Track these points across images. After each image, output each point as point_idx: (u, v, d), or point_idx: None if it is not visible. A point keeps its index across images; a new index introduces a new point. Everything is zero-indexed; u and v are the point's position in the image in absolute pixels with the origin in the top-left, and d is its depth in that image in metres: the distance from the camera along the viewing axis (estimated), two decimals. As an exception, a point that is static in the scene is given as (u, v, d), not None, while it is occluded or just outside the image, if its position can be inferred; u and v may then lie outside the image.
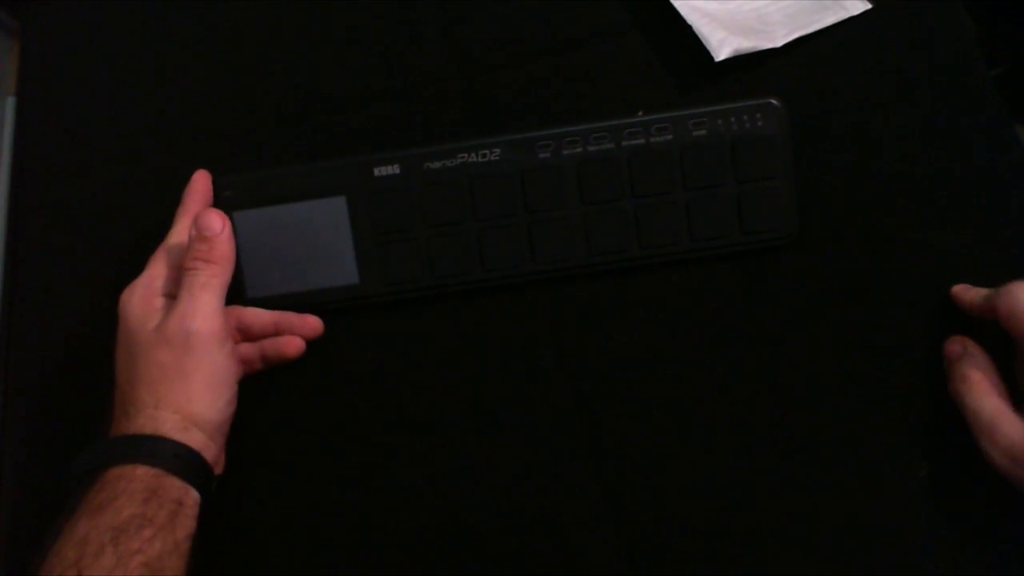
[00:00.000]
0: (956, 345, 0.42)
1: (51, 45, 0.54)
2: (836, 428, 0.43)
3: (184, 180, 0.44)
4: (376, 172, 0.43)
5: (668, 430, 0.44)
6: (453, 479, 0.44)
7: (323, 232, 0.44)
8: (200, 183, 0.44)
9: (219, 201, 0.43)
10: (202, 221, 0.40)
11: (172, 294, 0.41)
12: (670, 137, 0.43)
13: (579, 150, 0.43)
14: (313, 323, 0.45)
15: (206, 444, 0.39)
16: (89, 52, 0.53)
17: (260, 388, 0.45)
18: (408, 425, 0.45)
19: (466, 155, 0.43)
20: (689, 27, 0.48)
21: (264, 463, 0.45)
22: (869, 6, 0.49)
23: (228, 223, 0.41)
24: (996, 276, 0.45)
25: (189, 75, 0.52)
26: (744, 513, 0.43)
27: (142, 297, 0.40)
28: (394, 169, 0.43)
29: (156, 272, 0.41)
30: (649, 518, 0.43)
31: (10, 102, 0.54)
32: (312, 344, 0.45)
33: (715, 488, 0.43)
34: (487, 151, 0.43)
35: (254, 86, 0.51)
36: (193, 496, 0.37)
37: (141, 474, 0.36)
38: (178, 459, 0.37)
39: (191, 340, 0.39)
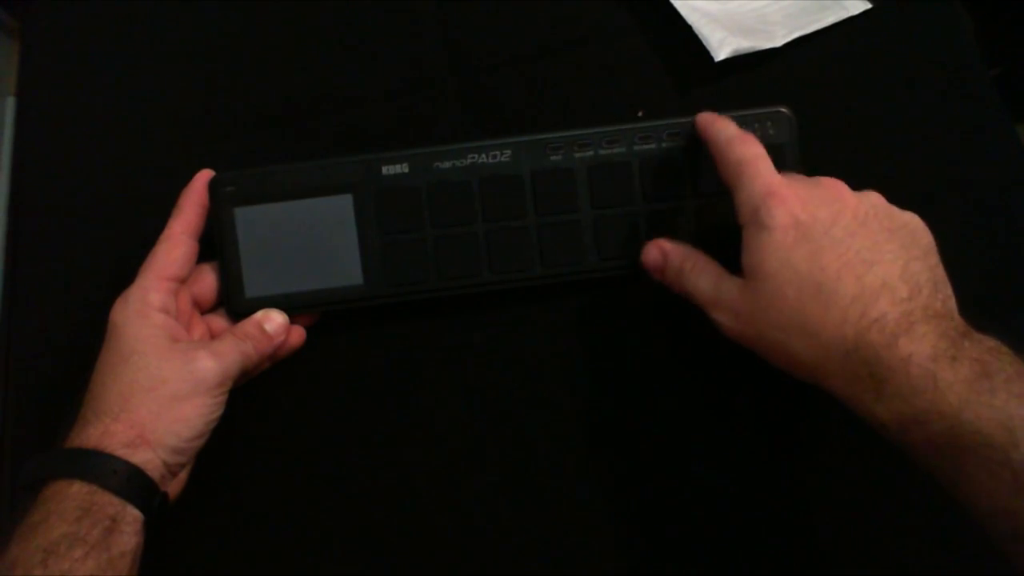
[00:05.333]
0: (653, 251, 0.41)
1: (51, 45, 0.54)
2: (841, 429, 0.43)
3: (184, 180, 0.44)
4: (384, 170, 0.43)
5: (672, 435, 0.44)
6: (454, 481, 0.44)
7: (327, 231, 0.43)
8: (199, 183, 0.44)
9: (220, 197, 0.43)
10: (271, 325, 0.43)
11: (166, 307, 0.40)
12: (682, 143, 0.43)
13: (591, 153, 0.43)
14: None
15: (154, 463, 0.37)
16: (89, 52, 0.53)
17: (260, 389, 0.45)
18: (409, 428, 0.45)
19: (476, 155, 0.43)
20: (689, 27, 0.48)
21: (264, 463, 0.45)
22: (869, 6, 0.49)
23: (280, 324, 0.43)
24: (996, 276, 0.45)
25: (188, 75, 0.52)
26: (747, 514, 0.43)
27: (136, 311, 0.40)
28: (403, 168, 0.43)
29: (149, 284, 0.41)
30: (651, 522, 0.43)
31: (10, 102, 0.54)
32: (313, 345, 0.45)
33: (718, 490, 0.43)
34: (497, 152, 0.43)
35: (254, 86, 0.51)
36: (131, 513, 0.36)
37: (75, 491, 0.35)
38: (116, 475, 0.36)
39: (197, 384, 0.39)
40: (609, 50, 0.50)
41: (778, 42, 0.47)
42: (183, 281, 0.43)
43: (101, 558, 0.34)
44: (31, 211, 0.51)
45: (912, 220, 0.36)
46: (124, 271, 0.42)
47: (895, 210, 0.36)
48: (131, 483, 0.36)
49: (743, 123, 0.43)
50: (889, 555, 0.42)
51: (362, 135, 0.50)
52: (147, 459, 0.37)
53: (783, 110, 0.43)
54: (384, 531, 0.44)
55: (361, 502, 0.44)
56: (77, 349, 0.42)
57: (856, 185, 0.46)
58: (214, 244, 0.43)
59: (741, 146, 0.38)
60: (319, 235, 0.43)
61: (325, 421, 0.46)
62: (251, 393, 0.44)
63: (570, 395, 0.45)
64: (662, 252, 0.41)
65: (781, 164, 0.43)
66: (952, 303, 0.34)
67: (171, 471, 0.39)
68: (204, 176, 0.44)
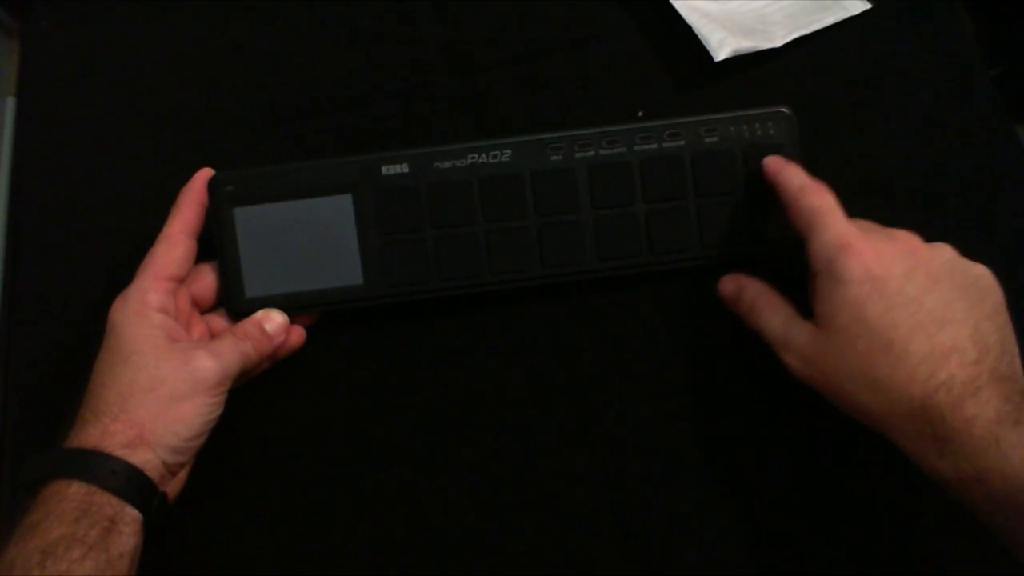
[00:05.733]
0: (729, 285, 0.43)
1: (51, 45, 0.54)
2: (844, 430, 0.43)
3: (184, 180, 0.44)
4: (384, 170, 0.43)
5: (674, 438, 0.44)
6: (454, 482, 0.44)
7: (327, 231, 0.43)
8: (199, 182, 0.44)
9: (220, 196, 0.43)
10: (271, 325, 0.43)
11: (165, 307, 0.40)
12: (682, 143, 0.43)
13: (591, 153, 0.43)
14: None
15: (153, 463, 0.38)
16: (89, 52, 0.53)
17: (260, 389, 0.45)
18: (409, 429, 0.45)
19: (476, 155, 0.43)
20: (689, 27, 0.48)
21: (264, 463, 0.45)
22: (869, 6, 0.49)
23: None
24: (997, 276, 0.45)
25: (188, 76, 0.52)
26: (751, 516, 0.43)
27: (136, 311, 0.40)
28: (403, 168, 0.43)
29: (147, 284, 0.40)
30: (652, 525, 0.43)
31: (10, 102, 0.54)
32: (313, 345, 0.45)
33: (721, 493, 0.43)
34: (498, 152, 0.43)
35: (253, 86, 0.51)
36: (130, 514, 0.36)
37: (74, 492, 0.35)
38: (115, 476, 0.36)
39: (196, 384, 0.39)
40: (609, 50, 0.50)
41: (778, 42, 0.47)
42: (182, 281, 0.43)
43: (100, 559, 0.34)
44: (31, 211, 0.51)
45: (983, 275, 0.37)
46: (124, 271, 0.42)
47: (967, 264, 0.37)
48: (130, 483, 0.36)
49: (743, 123, 0.43)
50: (893, 554, 0.42)
51: (362, 135, 0.50)
52: (146, 459, 0.37)
53: (783, 110, 0.43)
54: (384, 531, 0.44)
55: (361, 502, 0.44)
56: (77, 349, 0.42)
57: (856, 185, 0.47)
58: (214, 244, 0.43)
59: (813, 195, 0.39)
60: (319, 235, 0.43)
61: (325, 421, 0.46)
62: (251, 393, 0.44)
63: (571, 395, 0.45)
64: (738, 285, 0.42)
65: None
66: (1018, 363, 0.35)
67: (170, 471, 0.39)
68: (203, 175, 0.44)
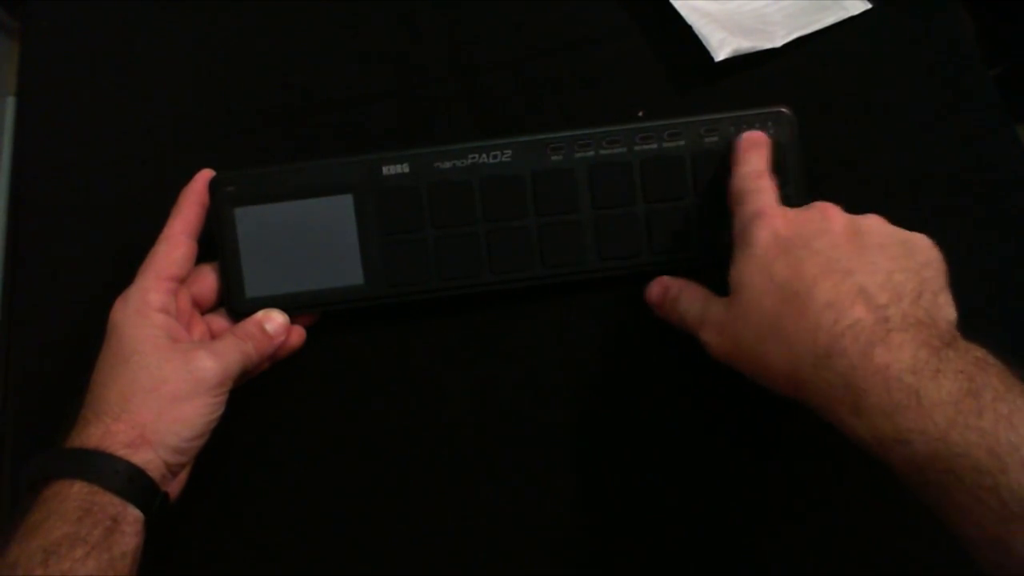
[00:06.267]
0: (655, 288, 0.43)
1: (51, 45, 0.54)
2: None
3: (184, 180, 0.44)
4: (385, 171, 0.43)
5: (674, 439, 0.44)
6: (455, 481, 0.44)
7: (328, 231, 0.43)
8: (199, 183, 0.44)
9: (221, 196, 0.43)
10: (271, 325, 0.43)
11: (166, 307, 0.40)
12: (682, 143, 0.43)
13: (591, 153, 0.43)
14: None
15: (155, 463, 0.37)
16: (89, 52, 0.53)
17: (260, 389, 0.45)
18: (409, 428, 0.45)
19: (477, 155, 0.43)
20: (689, 27, 0.48)
21: (264, 463, 0.45)
22: (869, 6, 0.49)
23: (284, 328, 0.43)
24: (996, 276, 0.45)
25: (189, 75, 0.52)
26: (749, 518, 0.43)
27: (136, 311, 0.40)
28: (403, 168, 0.43)
29: (148, 284, 0.41)
30: (654, 525, 0.43)
31: (10, 102, 0.54)
32: (313, 345, 0.45)
33: (722, 495, 0.43)
34: (498, 152, 0.43)
35: (253, 86, 0.51)
36: (132, 513, 0.36)
37: (76, 491, 0.35)
38: (117, 476, 0.36)
39: (198, 384, 0.39)
40: (609, 50, 0.50)
41: (778, 42, 0.47)
42: (183, 281, 0.43)
43: (102, 558, 0.34)
44: (31, 211, 0.51)
45: (913, 237, 0.35)
46: (124, 271, 0.42)
47: (894, 229, 0.36)
48: (132, 483, 0.36)
49: (744, 123, 0.43)
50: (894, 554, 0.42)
51: (362, 135, 0.50)
52: (148, 459, 0.37)
53: (784, 110, 0.43)
54: (385, 531, 0.44)
55: (361, 502, 0.44)
56: (77, 349, 0.42)
57: (855, 185, 0.47)
58: (214, 244, 0.43)
59: (753, 180, 0.39)
60: (320, 235, 0.43)
61: (325, 421, 0.46)
62: (251, 393, 0.44)
63: (571, 395, 0.45)
64: (662, 286, 0.42)
65: (782, 164, 0.43)
66: (942, 313, 0.33)
67: (172, 471, 0.39)
68: (204, 176, 0.44)
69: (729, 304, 0.37)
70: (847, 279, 0.33)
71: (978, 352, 0.31)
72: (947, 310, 0.33)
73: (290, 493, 0.45)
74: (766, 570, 0.43)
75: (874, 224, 0.36)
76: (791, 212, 0.36)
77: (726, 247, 0.42)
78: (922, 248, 0.35)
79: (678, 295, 0.41)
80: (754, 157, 0.40)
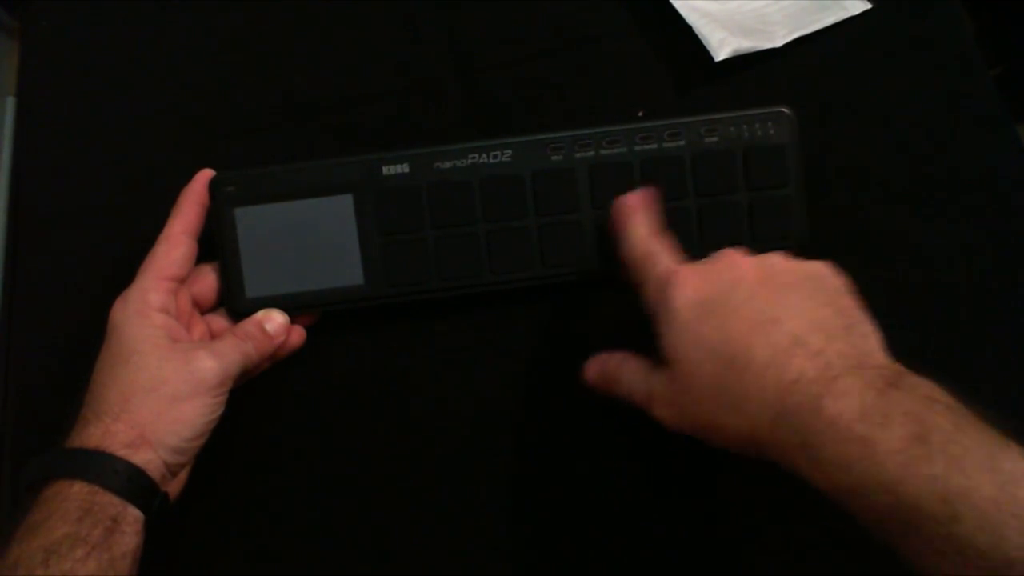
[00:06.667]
0: (592, 367, 0.41)
1: (51, 45, 0.54)
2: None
3: (184, 180, 0.44)
4: (385, 171, 0.43)
5: (675, 437, 0.44)
6: (455, 481, 0.44)
7: (328, 231, 0.43)
8: (199, 183, 0.44)
9: (221, 197, 0.43)
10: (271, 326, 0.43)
11: (166, 307, 0.40)
12: (682, 143, 0.43)
13: (591, 153, 0.43)
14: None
15: (154, 463, 0.37)
16: (89, 52, 0.53)
17: (260, 389, 0.45)
18: (409, 428, 0.45)
19: (477, 155, 0.43)
20: (689, 27, 0.48)
21: (264, 463, 0.45)
22: (869, 6, 0.49)
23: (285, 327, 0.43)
24: (997, 276, 0.45)
25: (189, 76, 0.52)
26: (754, 516, 0.43)
27: (136, 311, 0.40)
28: (403, 168, 0.43)
29: (148, 284, 0.41)
30: (653, 525, 0.43)
31: (10, 102, 0.54)
32: (313, 345, 0.45)
33: (723, 494, 0.43)
34: (498, 152, 0.43)
35: (253, 87, 0.51)
36: (132, 513, 0.36)
37: (76, 491, 0.35)
38: (117, 476, 0.36)
39: (198, 384, 0.39)
40: (609, 50, 0.50)
41: (778, 42, 0.47)
42: (183, 281, 0.43)
43: (103, 558, 0.34)
44: (31, 211, 0.51)
45: (816, 268, 0.35)
46: (124, 271, 0.42)
47: (797, 263, 0.36)
48: (132, 483, 0.36)
49: (743, 123, 0.43)
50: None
51: (362, 135, 0.50)
52: (148, 459, 0.37)
53: (784, 110, 0.43)
54: (384, 530, 0.44)
55: (361, 502, 0.44)
56: (77, 349, 0.42)
57: (855, 185, 0.47)
58: (214, 244, 0.43)
59: (647, 243, 0.38)
60: (320, 235, 0.43)
61: (325, 421, 0.46)
62: (251, 393, 0.44)
63: (572, 395, 0.45)
64: (599, 363, 0.41)
65: (782, 165, 0.43)
66: (872, 342, 0.33)
67: (171, 471, 0.39)
68: (204, 176, 0.44)
69: (670, 377, 0.35)
70: (777, 330, 0.32)
71: (925, 388, 0.30)
72: (874, 339, 0.33)
73: (290, 493, 0.45)
74: (768, 569, 0.43)
75: (779, 263, 0.36)
76: (699, 269, 0.36)
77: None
78: (827, 277, 0.35)
79: (618, 373, 0.39)
80: (639, 221, 0.39)
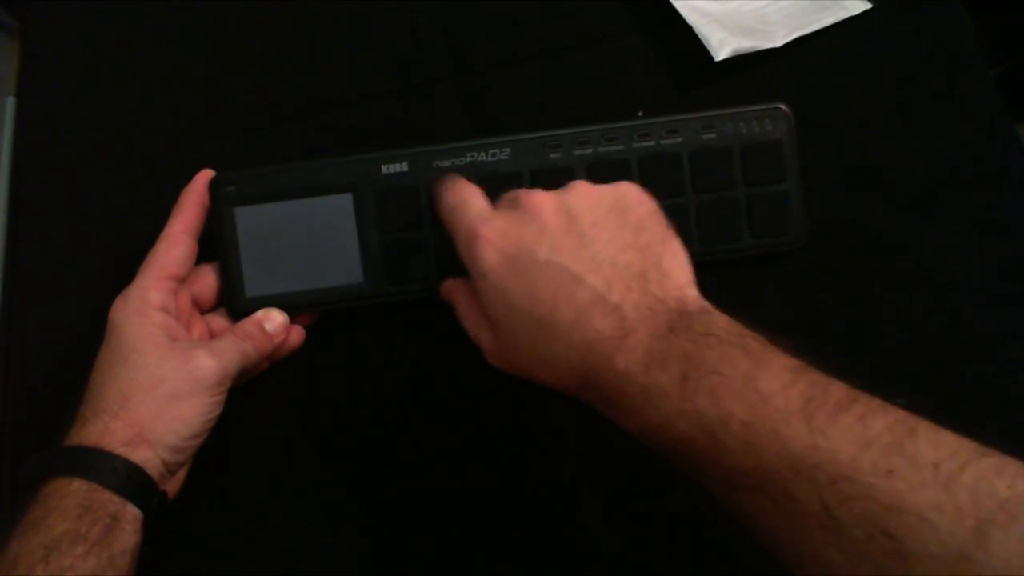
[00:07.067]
0: (444, 288, 0.41)
1: (51, 45, 0.54)
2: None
3: (184, 180, 0.44)
4: (384, 169, 0.43)
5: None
6: (455, 480, 0.44)
7: (327, 230, 0.43)
8: (200, 183, 0.44)
9: (221, 196, 0.43)
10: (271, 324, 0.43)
11: (166, 306, 0.41)
12: (680, 140, 0.43)
13: (589, 151, 0.43)
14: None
15: (153, 461, 0.38)
16: (89, 52, 0.53)
17: (259, 389, 0.45)
18: (409, 427, 0.45)
19: (476, 154, 0.43)
20: (689, 27, 0.48)
21: (263, 463, 0.45)
22: (869, 6, 0.49)
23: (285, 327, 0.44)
24: (997, 276, 0.45)
25: (188, 75, 0.52)
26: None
27: (136, 310, 0.40)
28: (402, 167, 0.43)
29: (148, 283, 0.41)
30: (653, 524, 0.43)
31: (10, 102, 0.54)
32: (313, 345, 0.45)
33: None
34: (497, 150, 0.43)
35: (253, 86, 0.51)
36: (131, 511, 0.36)
37: (75, 489, 0.35)
38: (116, 473, 0.36)
39: (196, 383, 0.39)
40: (609, 50, 0.50)
41: (778, 42, 0.47)
42: (183, 280, 0.43)
43: (102, 556, 0.34)
44: (31, 211, 0.51)
45: (620, 195, 0.35)
46: (124, 271, 0.42)
47: (600, 193, 0.35)
48: (131, 481, 0.36)
49: (740, 120, 0.43)
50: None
51: (362, 135, 0.50)
52: (146, 457, 0.37)
53: (780, 106, 0.43)
54: (384, 530, 0.44)
55: (360, 501, 0.44)
56: (77, 349, 0.42)
57: (855, 185, 0.47)
58: (214, 244, 0.43)
59: (453, 195, 0.37)
60: (319, 234, 0.43)
61: (325, 421, 0.46)
62: (250, 393, 0.44)
63: (574, 398, 0.45)
64: (446, 290, 0.41)
65: (778, 160, 0.43)
66: (667, 283, 0.33)
67: (170, 470, 0.39)
68: (205, 176, 0.44)
69: (493, 333, 0.36)
70: (580, 288, 0.33)
71: (702, 325, 0.31)
72: (670, 278, 0.33)
73: (289, 492, 0.45)
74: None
75: (582, 199, 0.35)
76: (502, 221, 0.35)
77: (729, 249, 0.42)
78: (632, 206, 0.35)
79: (461, 309, 0.39)
80: (448, 182, 0.38)
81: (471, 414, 0.45)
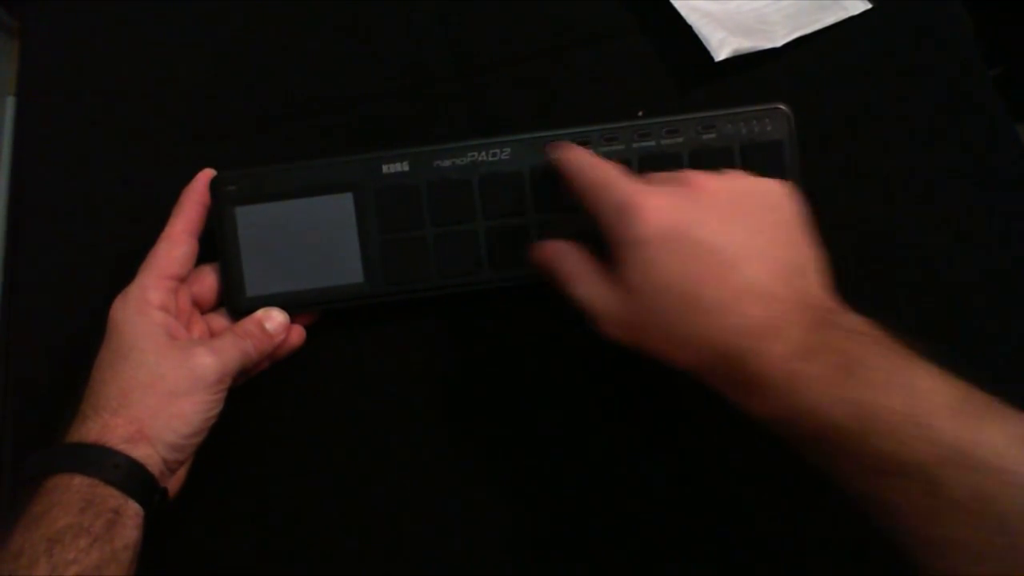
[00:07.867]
0: (546, 251, 0.39)
1: (51, 45, 0.54)
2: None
3: (184, 180, 0.44)
4: (385, 169, 0.43)
5: (674, 436, 0.44)
6: (455, 480, 0.44)
7: (328, 230, 0.43)
8: (201, 182, 0.44)
9: (221, 196, 0.43)
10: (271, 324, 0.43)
11: (166, 305, 0.41)
12: (680, 140, 0.43)
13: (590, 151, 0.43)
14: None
15: (153, 458, 0.38)
16: (89, 52, 0.53)
17: (260, 388, 0.45)
18: (409, 427, 0.45)
19: (476, 153, 0.43)
20: (689, 27, 0.48)
21: (263, 462, 0.45)
22: (869, 6, 0.49)
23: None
24: (997, 276, 0.45)
25: (188, 76, 0.52)
26: (752, 517, 0.43)
27: (136, 308, 0.40)
28: (403, 166, 0.43)
29: (149, 282, 0.41)
30: (652, 524, 0.43)
31: (10, 102, 0.54)
32: (313, 344, 0.45)
33: (723, 492, 0.43)
34: (497, 150, 0.43)
35: (254, 86, 0.51)
36: (132, 507, 0.36)
37: (77, 484, 0.35)
38: (117, 469, 0.36)
39: (196, 381, 0.39)
40: (609, 50, 0.50)
41: (778, 42, 0.47)
42: (183, 280, 0.43)
43: (105, 549, 0.34)
44: (31, 211, 0.51)
45: (775, 193, 0.36)
46: (124, 271, 0.42)
47: (756, 185, 0.36)
48: (132, 477, 0.37)
49: (740, 120, 0.43)
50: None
51: (362, 134, 0.50)
52: (146, 454, 0.37)
53: (780, 107, 0.43)
54: (384, 530, 0.44)
55: (360, 501, 0.44)
56: (77, 348, 0.42)
57: (855, 185, 0.47)
58: (215, 243, 0.43)
59: (596, 169, 0.37)
60: (320, 234, 0.43)
61: (324, 420, 0.46)
62: (251, 392, 0.44)
63: (572, 394, 0.45)
64: (555, 253, 0.39)
65: (779, 160, 0.43)
66: (814, 283, 0.34)
67: (170, 467, 0.39)
68: (205, 175, 0.44)
69: (625, 302, 0.35)
70: (734, 273, 0.33)
71: (851, 323, 0.33)
72: (816, 279, 0.35)
73: (289, 492, 0.45)
74: (765, 567, 0.43)
75: (740, 191, 0.36)
76: (663, 195, 0.34)
77: None
78: (786, 206, 0.36)
79: (572, 277, 0.38)
80: (579, 153, 0.38)
81: (471, 414, 0.45)
